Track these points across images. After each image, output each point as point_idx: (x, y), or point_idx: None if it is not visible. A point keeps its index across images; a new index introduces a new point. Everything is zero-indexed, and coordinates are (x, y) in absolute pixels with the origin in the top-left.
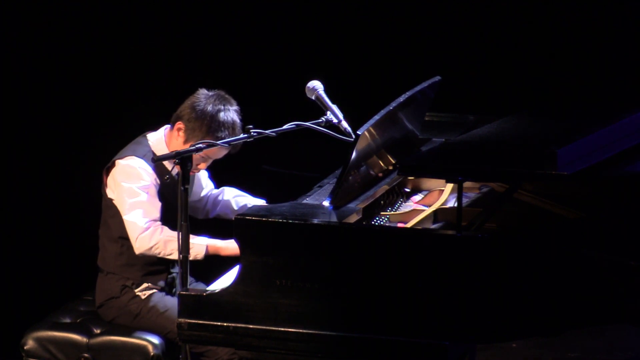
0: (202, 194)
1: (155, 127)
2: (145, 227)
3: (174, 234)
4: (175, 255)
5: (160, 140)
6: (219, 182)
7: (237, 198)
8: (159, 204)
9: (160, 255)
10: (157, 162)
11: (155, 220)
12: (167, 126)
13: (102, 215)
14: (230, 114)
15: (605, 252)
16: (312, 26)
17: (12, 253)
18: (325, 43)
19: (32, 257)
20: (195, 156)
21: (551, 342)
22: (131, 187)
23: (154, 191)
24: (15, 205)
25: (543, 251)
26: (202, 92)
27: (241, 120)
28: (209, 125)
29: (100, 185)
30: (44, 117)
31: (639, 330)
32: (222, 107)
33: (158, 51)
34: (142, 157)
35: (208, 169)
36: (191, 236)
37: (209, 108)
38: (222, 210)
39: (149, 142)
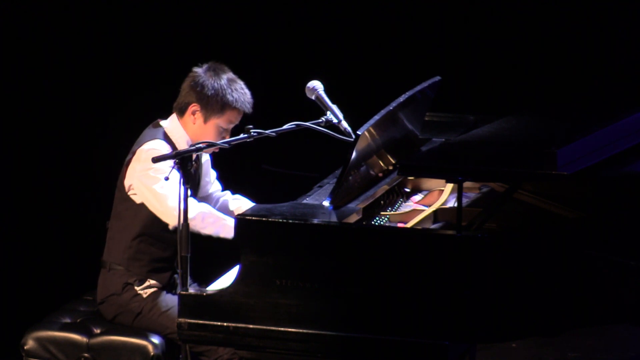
0: (210, 190)
1: (164, 116)
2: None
3: (211, 209)
4: (208, 230)
5: (176, 127)
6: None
7: (235, 201)
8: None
9: (196, 229)
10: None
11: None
12: (175, 115)
13: (113, 208)
14: (232, 75)
15: (605, 252)
16: (312, 26)
17: (12, 253)
18: (325, 43)
19: (32, 257)
20: (220, 124)
21: (551, 342)
22: (162, 168)
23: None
24: (15, 205)
25: (543, 251)
26: (198, 69)
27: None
28: (223, 94)
29: (109, 181)
30: (41, 116)
31: (639, 330)
32: (224, 74)
33: (160, 50)
34: (163, 139)
35: (217, 169)
36: (223, 216)
37: (213, 79)
38: (218, 209)
39: (165, 130)
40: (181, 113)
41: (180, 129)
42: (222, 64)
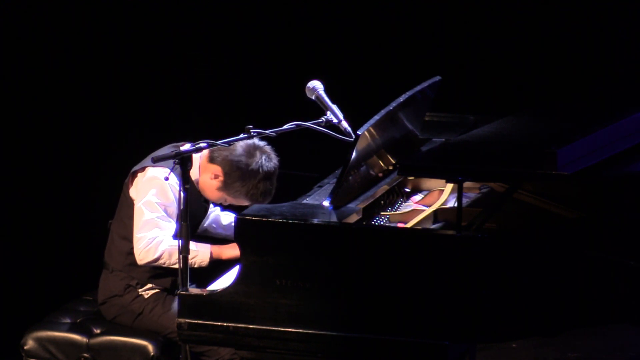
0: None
1: (193, 140)
2: (150, 241)
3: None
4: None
5: (195, 163)
6: None
7: (226, 216)
8: (173, 225)
9: (165, 265)
10: (157, 162)
11: (161, 235)
12: (204, 150)
13: (117, 211)
14: (269, 170)
15: (605, 252)
16: (312, 26)
17: (12, 253)
18: (325, 43)
19: (33, 257)
20: (228, 198)
21: (551, 342)
22: (152, 201)
23: (173, 210)
24: (15, 205)
25: (543, 251)
26: (243, 150)
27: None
28: (246, 191)
29: (110, 181)
30: (44, 115)
31: (639, 330)
32: (265, 169)
33: (160, 50)
34: (173, 172)
35: None
36: (194, 243)
37: (246, 175)
38: (209, 225)
39: None
40: (209, 160)
41: (196, 167)
42: (272, 150)
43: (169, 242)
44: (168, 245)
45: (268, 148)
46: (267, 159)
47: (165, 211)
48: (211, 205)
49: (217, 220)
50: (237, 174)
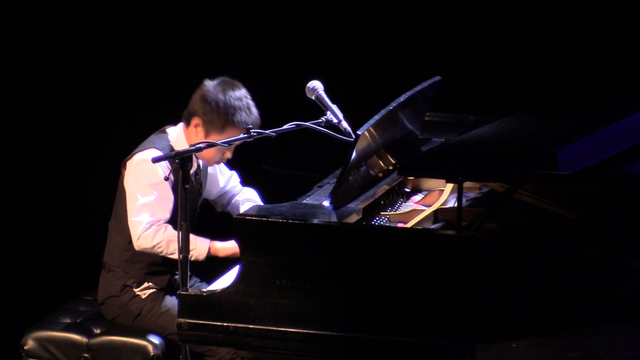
0: (224, 188)
1: (174, 122)
2: (148, 226)
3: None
4: (177, 255)
5: (179, 136)
6: None
7: (247, 203)
8: (170, 204)
9: (162, 254)
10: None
11: (160, 220)
12: (183, 123)
13: (114, 207)
14: (242, 93)
15: (605, 252)
16: (312, 26)
17: (12, 253)
18: (325, 43)
19: (33, 257)
20: (218, 148)
21: (551, 342)
22: (144, 184)
23: (167, 188)
24: (15, 205)
25: (543, 251)
26: (208, 83)
27: (252, 99)
28: (225, 112)
29: (111, 180)
30: (43, 115)
31: (639, 330)
32: (232, 91)
33: (161, 50)
34: (161, 151)
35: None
36: (194, 237)
37: (220, 96)
38: (231, 209)
39: (169, 137)
40: (187, 123)
41: (183, 139)
42: (235, 80)
43: (167, 231)
44: (166, 234)
45: (228, 79)
46: (232, 86)
47: (159, 191)
48: (237, 185)
49: (237, 206)
50: (213, 111)
